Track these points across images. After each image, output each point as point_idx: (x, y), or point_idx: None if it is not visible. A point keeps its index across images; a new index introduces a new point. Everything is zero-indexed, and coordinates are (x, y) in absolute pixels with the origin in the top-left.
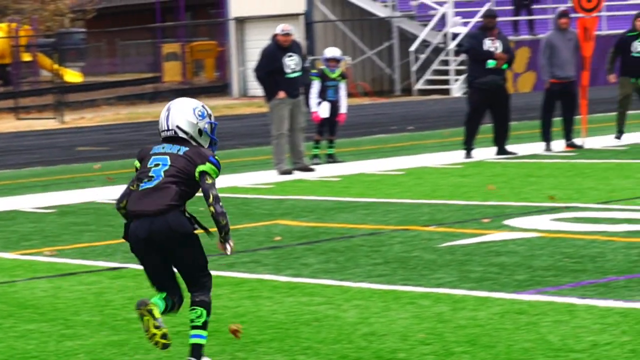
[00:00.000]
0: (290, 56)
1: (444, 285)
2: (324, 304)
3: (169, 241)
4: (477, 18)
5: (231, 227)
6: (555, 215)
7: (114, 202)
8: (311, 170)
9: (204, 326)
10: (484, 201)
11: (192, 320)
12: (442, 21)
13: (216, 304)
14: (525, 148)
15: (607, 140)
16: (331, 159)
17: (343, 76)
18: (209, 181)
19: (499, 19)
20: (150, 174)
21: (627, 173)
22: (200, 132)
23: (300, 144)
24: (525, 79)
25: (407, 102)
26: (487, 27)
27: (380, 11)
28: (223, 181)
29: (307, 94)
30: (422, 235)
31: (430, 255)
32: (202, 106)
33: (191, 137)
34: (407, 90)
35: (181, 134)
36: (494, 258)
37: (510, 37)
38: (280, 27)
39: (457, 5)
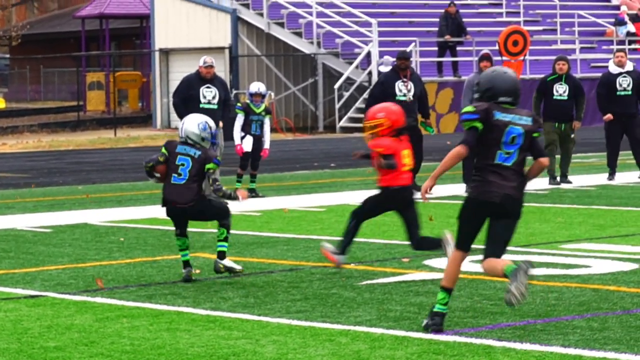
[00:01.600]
0: (209, 87)
1: (363, 324)
2: (242, 338)
3: (201, 214)
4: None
5: (150, 258)
6: (474, 257)
7: (33, 229)
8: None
9: (225, 239)
10: (404, 240)
11: (218, 236)
12: (367, 59)
13: (134, 335)
14: (446, 189)
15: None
16: (253, 193)
17: (267, 111)
18: (211, 171)
19: (423, 59)
20: (179, 171)
21: (547, 217)
22: (202, 139)
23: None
24: (448, 120)
25: (330, 139)
26: (400, 67)
27: (306, 47)
28: (143, 212)
29: (230, 127)
30: (341, 272)
31: (350, 292)
32: (205, 121)
33: (197, 142)
34: (330, 127)
35: (190, 141)
36: (413, 297)
37: (434, 79)
38: (203, 59)
39: (381, 44)
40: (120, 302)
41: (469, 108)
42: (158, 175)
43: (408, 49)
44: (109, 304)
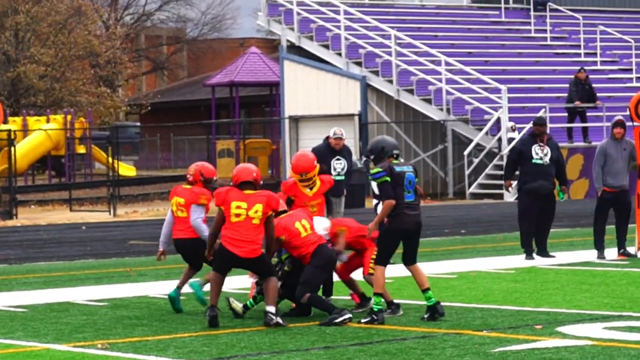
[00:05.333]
0: (339, 159)
1: None
2: None
3: None
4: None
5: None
6: (608, 323)
7: (166, 296)
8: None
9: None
10: (536, 307)
11: None
12: (497, 125)
13: None
14: (578, 255)
15: None
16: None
17: None
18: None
19: (553, 125)
20: None
21: None
22: None
23: None
24: (578, 186)
25: (460, 205)
26: (535, 134)
27: (435, 114)
28: None
29: (353, 194)
30: (474, 339)
31: None
32: None
33: None
34: (460, 194)
35: None
36: None
37: (564, 144)
38: (333, 130)
39: (511, 110)
40: None
41: (377, 169)
42: None
43: (538, 115)
44: None
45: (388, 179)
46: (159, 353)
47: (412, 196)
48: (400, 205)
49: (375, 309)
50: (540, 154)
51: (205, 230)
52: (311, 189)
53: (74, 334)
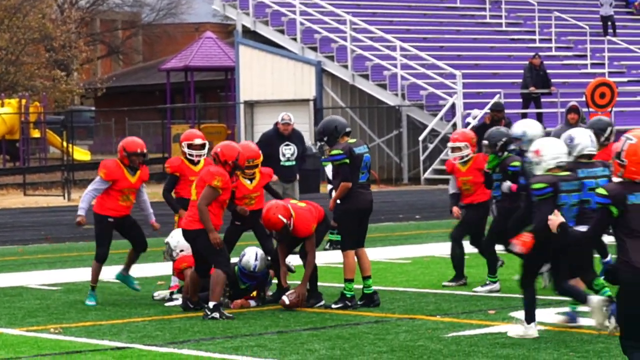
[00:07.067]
0: (288, 145)
1: None
2: None
3: None
4: (485, 110)
5: (237, 310)
6: (560, 308)
7: (119, 281)
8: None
9: None
10: (490, 292)
11: None
12: (452, 111)
13: None
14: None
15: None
16: (337, 245)
17: None
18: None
19: (508, 111)
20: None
21: None
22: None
23: None
24: None
25: (414, 190)
26: (494, 119)
27: (390, 99)
28: None
29: (307, 179)
30: (427, 324)
31: (436, 344)
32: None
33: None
34: (415, 179)
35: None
36: (499, 350)
37: None
38: (281, 116)
39: (465, 96)
40: (207, 354)
41: (337, 151)
42: None
43: (493, 101)
44: (196, 355)
45: (347, 161)
46: (112, 337)
47: (365, 177)
48: (354, 186)
49: (349, 295)
50: None
51: (83, 201)
52: (251, 181)
53: (27, 318)
